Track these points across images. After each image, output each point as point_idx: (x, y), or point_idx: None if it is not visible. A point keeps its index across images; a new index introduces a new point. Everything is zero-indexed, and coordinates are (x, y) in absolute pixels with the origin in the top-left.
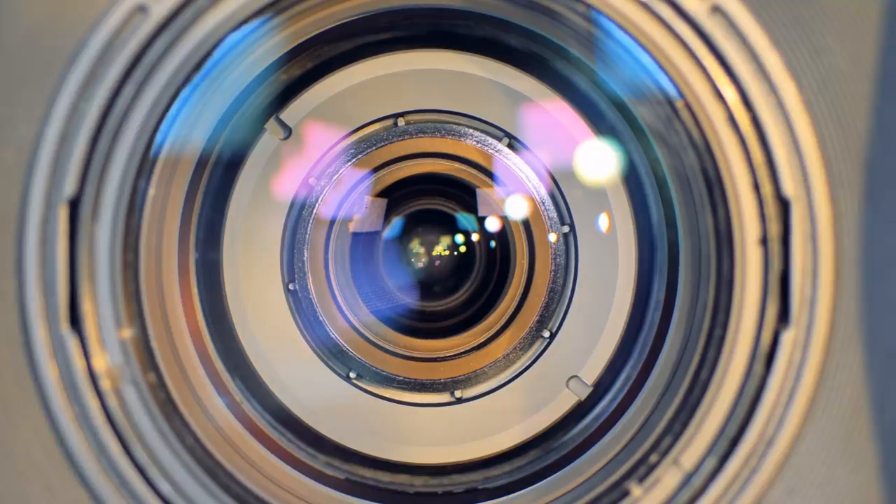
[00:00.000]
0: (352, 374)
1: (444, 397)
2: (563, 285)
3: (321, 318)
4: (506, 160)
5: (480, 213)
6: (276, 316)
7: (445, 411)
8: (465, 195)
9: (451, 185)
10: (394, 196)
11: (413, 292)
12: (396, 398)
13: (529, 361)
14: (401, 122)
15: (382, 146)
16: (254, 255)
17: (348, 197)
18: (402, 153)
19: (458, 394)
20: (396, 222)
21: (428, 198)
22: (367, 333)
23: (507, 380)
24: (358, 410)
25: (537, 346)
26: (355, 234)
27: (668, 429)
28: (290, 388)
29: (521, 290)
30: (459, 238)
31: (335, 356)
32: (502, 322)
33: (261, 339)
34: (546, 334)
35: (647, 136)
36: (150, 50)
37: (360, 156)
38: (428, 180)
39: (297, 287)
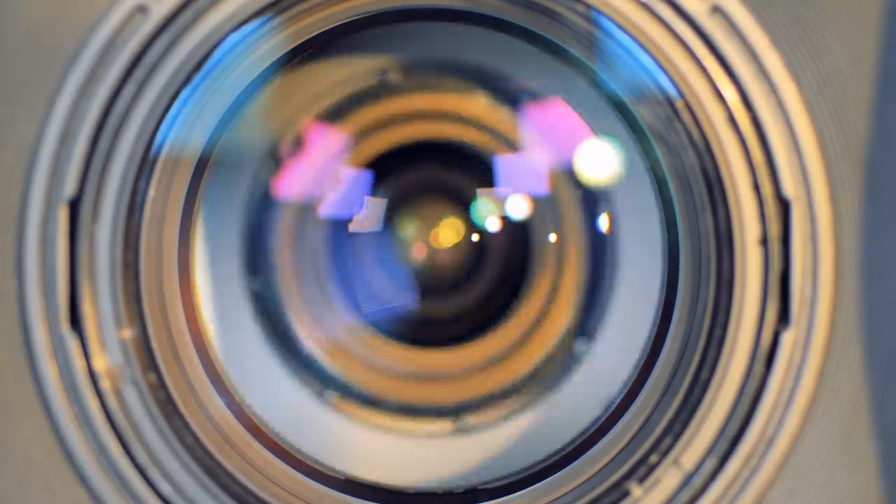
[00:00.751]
0: (328, 395)
1: (446, 426)
2: (602, 283)
3: (290, 324)
4: (527, 123)
5: (496, 191)
6: (233, 320)
7: (446, 444)
8: (473, 167)
9: (456, 154)
10: (384, 169)
11: (409, 291)
12: (384, 425)
13: (558, 379)
14: (391, 75)
15: (368, 106)
16: (207, 245)
17: (327, 173)
18: (393, 113)
19: (464, 421)
20: (387, 203)
21: (428, 171)
22: (348, 343)
23: (527, 403)
24: (335, 441)
25: (568, 361)
26: (336, 220)
27: (668, 429)
28: (250, 409)
29: (547, 290)
30: (470, 222)
31: (307, 371)
32: (523, 329)
33: (216, 350)
34: (579, 345)
35: (647, 136)
36: (151, 50)
37: (339, 120)
38: (427, 149)
39: (259, 286)
